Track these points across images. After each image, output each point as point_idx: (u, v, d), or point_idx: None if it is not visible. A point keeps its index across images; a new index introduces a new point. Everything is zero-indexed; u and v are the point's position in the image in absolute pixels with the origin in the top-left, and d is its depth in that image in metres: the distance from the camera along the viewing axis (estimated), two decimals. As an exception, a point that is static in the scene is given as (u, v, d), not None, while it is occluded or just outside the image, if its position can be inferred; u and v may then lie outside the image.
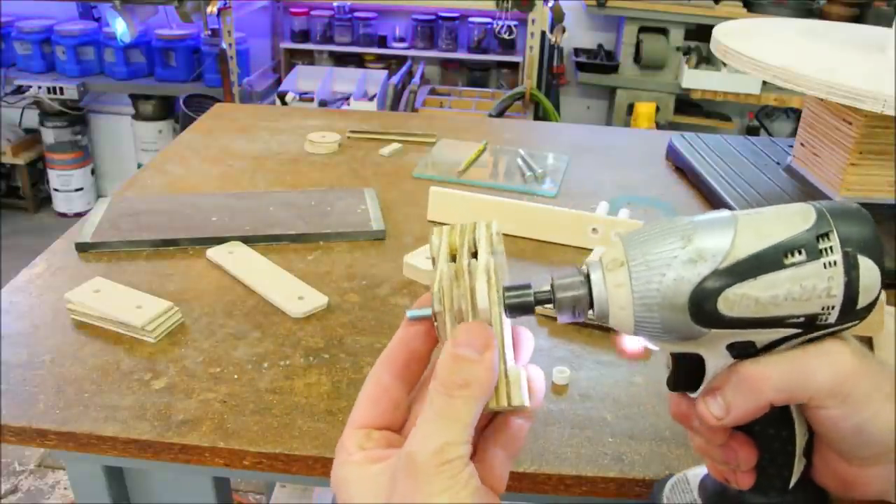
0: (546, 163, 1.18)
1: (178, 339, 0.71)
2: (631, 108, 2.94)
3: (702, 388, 0.40)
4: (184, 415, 0.62)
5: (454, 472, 0.33)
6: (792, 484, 0.40)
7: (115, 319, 0.72)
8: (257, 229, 0.90)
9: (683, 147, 1.17)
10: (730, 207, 0.97)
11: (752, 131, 3.09)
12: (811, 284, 0.35)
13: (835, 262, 0.35)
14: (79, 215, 3.22)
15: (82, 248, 0.86)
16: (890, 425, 0.36)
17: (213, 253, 0.85)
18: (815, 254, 0.35)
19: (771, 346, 0.38)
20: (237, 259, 0.84)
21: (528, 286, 0.38)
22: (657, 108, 2.89)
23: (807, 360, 0.37)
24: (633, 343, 0.42)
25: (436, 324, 0.37)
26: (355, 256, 0.88)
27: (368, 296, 0.80)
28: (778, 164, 1.10)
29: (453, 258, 0.38)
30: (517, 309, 0.37)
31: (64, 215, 3.30)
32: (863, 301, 0.36)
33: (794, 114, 3.06)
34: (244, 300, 0.78)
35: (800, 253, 0.35)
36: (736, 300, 0.35)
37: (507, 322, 0.37)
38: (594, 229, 0.90)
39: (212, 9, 2.54)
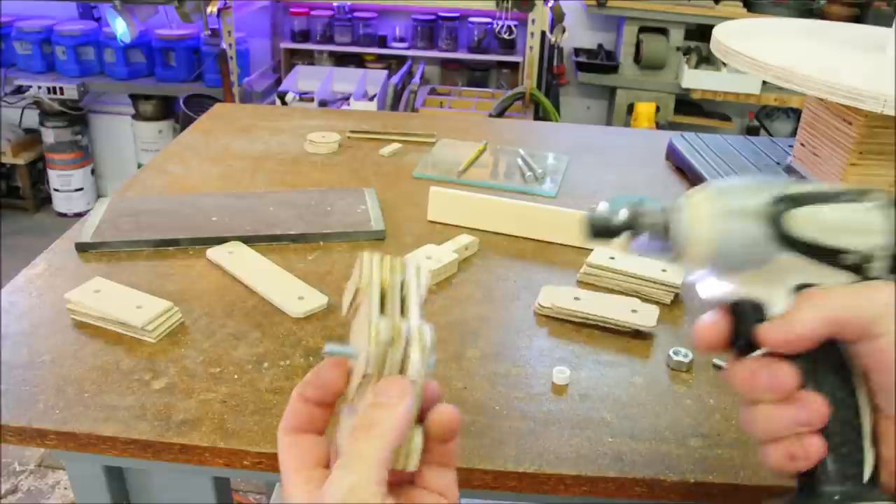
0: (546, 163, 1.18)
1: (178, 339, 0.71)
2: (631, 108, 2.94)
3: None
4: (184, 415, 0.62)
5: None
6: (866, 478, 0.40)
7: (115, 319, 0.72)
8: (257, 229, 0.90)
9: (683, 147, 1.17)
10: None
11: (752, 131, 3.09)
12: (865, 219, 0.40)
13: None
14: (79, 215, 3.22)
15: (82, 248, 0.86)
16: None
17: (213, 253, 0.85)
18: (877, 199, 0.41)
19: None
20: (237, 259, 0.84)
21: (610, 217, 0.46)
22: (657, 108, 2.89)
23: (867, 286, 0.40)
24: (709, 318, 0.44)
25: (352, 363, 0.38)
26: (355, 256, 0.87)
27: (368, 296, 0.79)
28: (778, 164, 1.10)
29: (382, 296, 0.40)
30: (602, 234, 0.45)
31: (64, 215, 3.30)
32: None
33: (794, 114, 3.06)
34: (244, 300, 0.78)
35: (859, 197, 0.41)
36: (804, 220, 0.40)
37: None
38: (594, 229, 0.90)
39: (212, 9, 2.54)
